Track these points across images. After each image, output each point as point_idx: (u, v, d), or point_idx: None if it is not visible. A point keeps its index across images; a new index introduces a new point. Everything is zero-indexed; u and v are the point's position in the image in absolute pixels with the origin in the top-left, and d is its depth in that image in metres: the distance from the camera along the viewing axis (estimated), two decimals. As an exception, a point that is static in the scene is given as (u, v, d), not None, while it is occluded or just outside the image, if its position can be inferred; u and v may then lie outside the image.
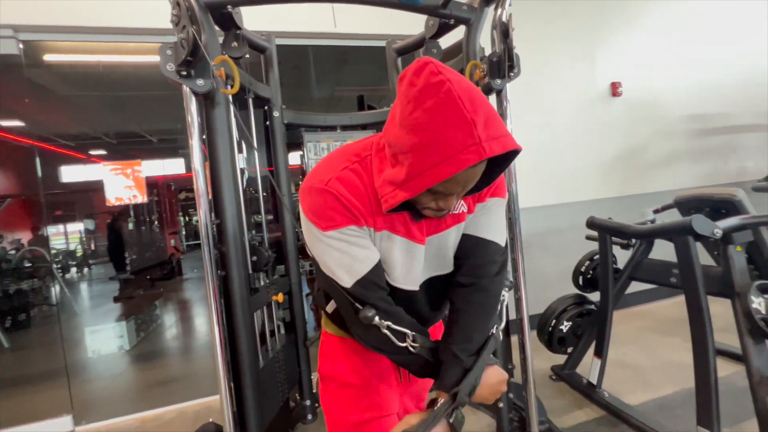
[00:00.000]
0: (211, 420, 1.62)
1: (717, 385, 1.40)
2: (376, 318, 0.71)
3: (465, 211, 0.78)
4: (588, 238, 2.25)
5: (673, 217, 1.81)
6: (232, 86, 1.35)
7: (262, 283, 1.68)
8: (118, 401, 2.37)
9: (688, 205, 1.89)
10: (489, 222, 0.80)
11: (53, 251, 6.25)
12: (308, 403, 1.93)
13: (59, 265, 5.90)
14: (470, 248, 0.80)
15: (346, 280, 0.70)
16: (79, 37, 2.18)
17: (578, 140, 3.01)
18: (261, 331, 1.71)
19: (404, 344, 0.74)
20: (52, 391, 2.23)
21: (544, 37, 2.89)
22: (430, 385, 1.06)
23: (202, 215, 1.25)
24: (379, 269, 0.73)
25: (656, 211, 2.18)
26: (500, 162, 0.68)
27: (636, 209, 2.41)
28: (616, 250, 2.08)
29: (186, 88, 1.22)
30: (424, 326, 0.86)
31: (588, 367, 1.98)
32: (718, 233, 1.41)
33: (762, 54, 3.52)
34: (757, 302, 1.37)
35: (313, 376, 2.00)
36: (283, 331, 1.92)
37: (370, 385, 0.87)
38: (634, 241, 2.00)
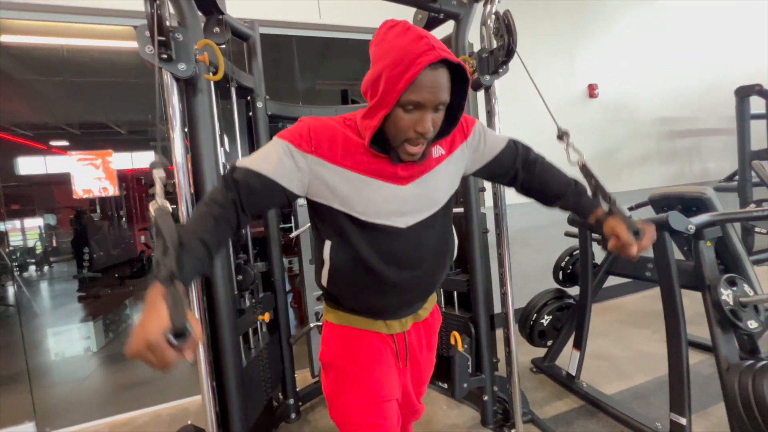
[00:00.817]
0: (189, 423, 1.55)
1: (689, 373, 1.47)
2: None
3: (444, 154, 0.87)
4: (567, 234, 2.32)
5: (648, 214, 1.89)
6: (215, 72, 1.28)
7: (248, 303, 1.62)
8: (86, 406, 2.24)
9: (662, 202, 1.97)
10: (489, 140, 0.95)
11: (9, 248, 5.83)
12: (292, 402, 1.89)
13: (16, 263, 5.53)
14: (503, 163, 0.96)
15: (240, 162, 0.78)
16: (43, 17, 2.02)
17: (556, 139, 3.09)
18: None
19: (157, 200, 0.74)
20: (12, 397, 2.07)
21: (524, 36, 2.93)
22: (429, 375, 1.08)
23: (184, 210, 1.18)
24: (257, 181, 0.76)
25: (631, 209, 2.27)
26: (458, 98, 0.78)
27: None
28: (593, 246, 2.15)
29: (167, 74, 1.15)
30: (411, 270, 0.86)
31: (567, 359, 2.04)
32: (692, 229, 1.48)
33: (725, 62, 3.73)
34: (726, 294, 1.44)
35: (297, 374, 1.96)
36: (265, 329, 1.86)
37: (370, 371, 0.89)
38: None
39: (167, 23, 1.09)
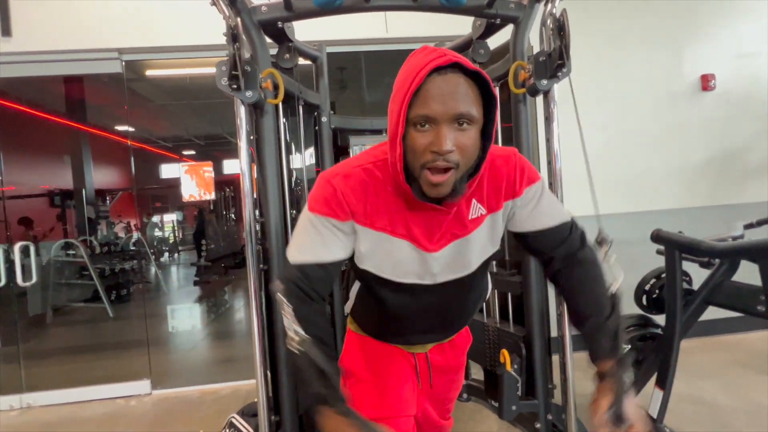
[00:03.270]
0: (256, 400, 1.77)
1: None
2: (283, 297, 0.71)
3: (484, 213, 0.78)
4: (660, 252, 2.00)
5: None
6: (278, 96, 1.46)
7: None
8: (186, 372, 2.71)
9: (789, 220, 1.58)
10: (542, 210, 0.79)
11: (156, 236, 7.26)
12: (344, 396, 2.01)
13: (154, 250, 6.87)
14: (544, 242, 0.80)
15: (294, 256, 0.74)
16: (171, 55, 2.52)
17: (655, 141, 2.67)
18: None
19: (290, 334, 0.69)
20: (135, 358, 2.61)
21: (614, 26, 2.62)
22: (454, 395, 1.06)
23: (247, 213, 1.38)
24: (323, 271, 0.73)
25: (749, 226, 1.85)
26: (488, 121, 0.67)
27: (730, 221, 2.09)
28: (694, 268, 1.82)
29: (237, 99, 1.35)
30: (435, 319, 0.86)
31: (649, 397, 1.76)
32: (819, 257, 1.16)
33: None
34: None
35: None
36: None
37: (386, 385, 0.91)
38: (716, 259, 1.73)
39: (244, 59, 1.29)
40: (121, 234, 5.94)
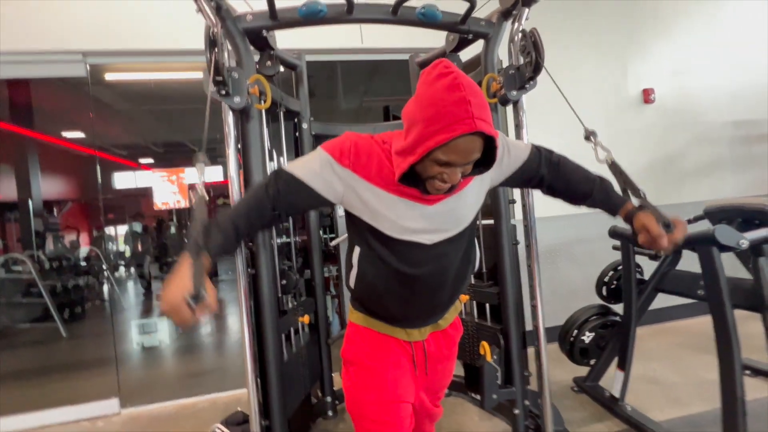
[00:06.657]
0: (238, 409, 1.74)
1: (744, 404, 1.35)
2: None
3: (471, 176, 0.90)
4: (615, 248, 2.21)
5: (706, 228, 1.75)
6: (264, 101, 1.49)
7: (290, 305, 1.79)
8: (158, 388, 2.58)
9: (719, 215, 1.82)
10: (514, 153, 0.97)
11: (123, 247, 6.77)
12: (329, 399, 2.02)
13: (110, 264, 6.42)
14: (529, 169, 0.99)
15: (288, 166, 0.89)
16: (137, 59, 2.45)
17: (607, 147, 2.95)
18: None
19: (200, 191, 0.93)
20: (101, 377, 2.46)
21: (569, 45, 2.88)
22: (446, 383, 1.13)
23: (236, 218, 1.38)
24: (297, 187, 0.86)
25: (688, 222, 2.10)
26: (487, 158, 0.80)
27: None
28: (645, 261, 2.03)
29: (225, 104, 1.36)
30: (433, 282, 0.92)
31: (612, 380, 1.93)
32: (744, 244, 1.37)
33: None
34: (788, 317, 1.31)
35: (336, 374, 2.09)
36: (307, 329, 2.02)
37: (387, 372, 0.96)
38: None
39: (226, 65, 1.31)
40: (85, 246, 5.52)
